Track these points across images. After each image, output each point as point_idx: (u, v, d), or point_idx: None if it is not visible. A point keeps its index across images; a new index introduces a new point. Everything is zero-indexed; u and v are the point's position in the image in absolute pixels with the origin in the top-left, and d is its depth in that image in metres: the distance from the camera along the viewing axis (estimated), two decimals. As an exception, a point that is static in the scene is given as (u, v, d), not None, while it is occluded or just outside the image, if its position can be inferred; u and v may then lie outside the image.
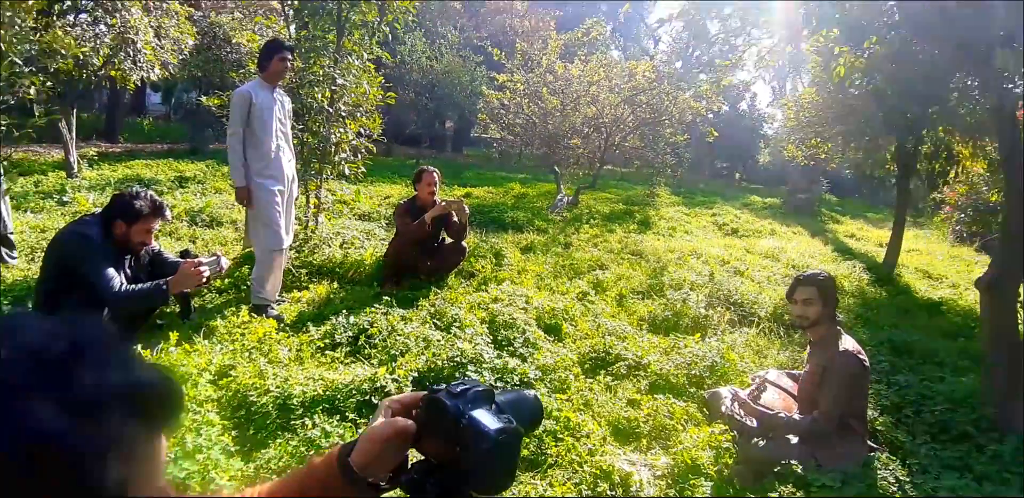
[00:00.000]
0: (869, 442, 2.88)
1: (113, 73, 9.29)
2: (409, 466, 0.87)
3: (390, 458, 0.82)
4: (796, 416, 2.81)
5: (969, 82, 7.08)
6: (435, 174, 4.98)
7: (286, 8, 5.75)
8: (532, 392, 0.96)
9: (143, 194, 3.16)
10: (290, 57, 4.25)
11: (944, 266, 8.65)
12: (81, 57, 7.86)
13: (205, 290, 4.44)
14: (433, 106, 16.72)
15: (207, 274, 3.01)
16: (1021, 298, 3.78)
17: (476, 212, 8.48)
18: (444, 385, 0.87)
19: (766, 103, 29.19)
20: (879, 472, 2.59)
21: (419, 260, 4.86)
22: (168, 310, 3.95)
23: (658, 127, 11.62)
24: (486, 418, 0.80)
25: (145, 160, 11.03)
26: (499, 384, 3.01)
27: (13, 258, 4.73)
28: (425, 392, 0.86)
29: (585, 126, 11.48)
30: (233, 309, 4.02)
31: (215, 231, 6.12)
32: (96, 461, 0.49)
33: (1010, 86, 3.69)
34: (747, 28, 19.92)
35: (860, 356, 2.81)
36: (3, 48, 3.30)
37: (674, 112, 11.41)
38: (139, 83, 10.28)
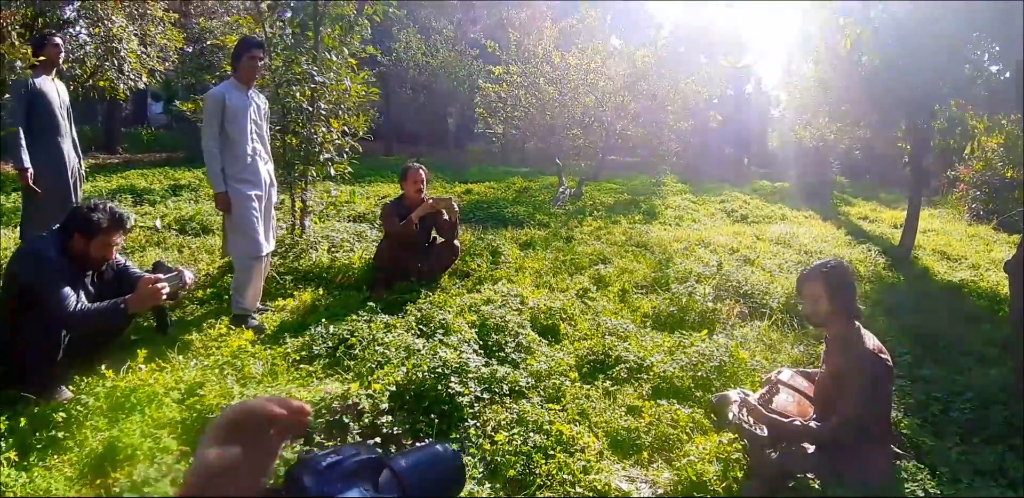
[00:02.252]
0: (894, 448, 2.60)
1: (101, 84, 9.17)
2: None
3: None
4: (812, 423, 2.53)
5: (981, 53, 6.75)
6: (422, 171, 4.75)
7: (261, 5, 5.53)
8: (450, 448, 0.74)
9: (102, 206, 2.96)
10: (261, 55, 4.04)
11: (962, 246, 8.31)
12: (65, 69, 7.75)
13: (186, 302, 4.26)
14: (432, 102, 16.48)
15: (166, 291, 2.81)
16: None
17: (475, 209, 8.26)
18: (314, 453, 0.66)
19: (772, 85, 28.61)
20: (906, 485, 2.32)
21: (410, 262, 4.64)
22: (145, 324, 3.76)
23: (661, 114, 11.30)
24: None
25: (141, 170, 10.91)
26: (486, 396, 2.77)
27: None
28: None
29: (585, 116, 11.19)
30: (213, 321, 3.83)
31: (203, 239, 5.94)
32: None
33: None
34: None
35: (882, 355, 2.50)
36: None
37: (676, 98, 11.09)
38: (129, 93, 10.16)
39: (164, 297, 2.82)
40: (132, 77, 9.61)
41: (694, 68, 12.44)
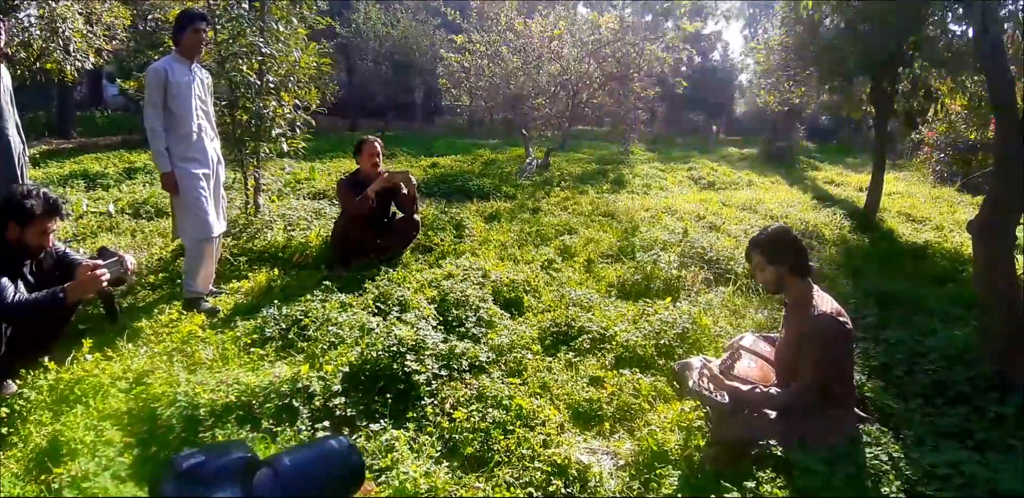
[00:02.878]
0: (858, 411, 2.58)
1: (48, 66, 8.74)
2: None
3: None
4: (773, 389, 2.50)
5: (943, 13, 6.71)
6: (377, 144, 4.59)
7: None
8: (345, 442, 0.65)
9: (35, 192, 2.79)
10: (205, 27, 3.83)
11: (927, 208, 8.42)
12: (11, 53, 7.34)
13: (137, 287, 4.10)
14: (396, 75, 16.06)
15: (107, 277, 2.68)
16: (1019, 241, 3.51)
17: (439, 183, 8.10)
18: (176, 455, 0.57)
19: (739, 52, 28.58)
20: (869, 448, 2.29)
21: (369, 238, 4.52)
22: (93, 312, 3.61)
23: (627, 82, 11.15)
24: None
25: (96, 154, 10.48)
26: (443, 373, 2.71)
27: None
28: None
29: (550, 85, 11.00)
30: (165, 306, 3.69)
31: (156, 222, 5.73)
32: None
33: (996, 6, 3.32)
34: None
35: (840, 318, 2.45)
36: None
37: (642, 65, 10.94)
38: (78, 75, 9.71)
39: (105, 283, 2.68)
40: (79, 58, 9.17)
41: (659, 35, 12.27)
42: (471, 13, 11.11)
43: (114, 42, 10.24)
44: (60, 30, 8.77)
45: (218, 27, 4.88)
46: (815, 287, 2.58)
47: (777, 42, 8.97)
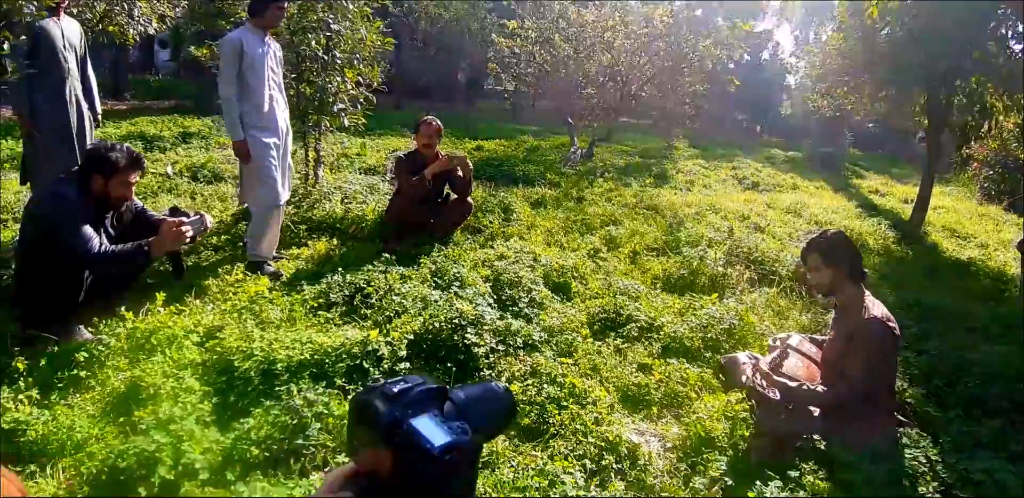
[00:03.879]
0: (898, 415, 2.66)
1: (111, 29, 8.96)
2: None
3: None
4: (820, 388, 2.59)
5: (1006, 30, 6.60)
6: (435, 124, 4.68)
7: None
8: (501, 385, 0.75)
9: (118, 146, 2.95)
10: (287, 5, 3.98)
11: (972, 225, 8.29)
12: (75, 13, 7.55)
13: (200, 248, 4.28)
14: (442, 57, 16.12)
15: (190, 234, 2.83)
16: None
17: (486, 166, 8.19)
18: (382, 382, 0.66)
19: (789, 52, 27.99)
20: (908, 450, 2.38)
21: (422, 217, 4.64)
22: (160, 269, 3.79)
23: (677, 76, 11.08)
24: (430, 428, 0.60)
25: (150, 117, 10.76)
26: (500, 348, 2.83)
27: None
28: None
29: (600, 75, 10.97)
30: (228, 267, 3.86)
31: (215, 186, 5.92)
32: None
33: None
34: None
35: (890, 323, 2.54)
36: None
37: (693, 60, 10.86)
38: (139, 39, 9.94)
39: (187, 240, 2.84)
40: (142, 22, 9.41)
41: (712, 30, 12.14)
42: (526, 0, 11.10)
43: (177, 10, 10.48)
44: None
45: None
46: (867, 292, 2.66)
47: (834, 47, 8.83)
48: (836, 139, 15.42)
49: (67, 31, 4.11)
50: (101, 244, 2.82)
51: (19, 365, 2.50)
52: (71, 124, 4.09)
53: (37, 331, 2.78)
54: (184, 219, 2.86)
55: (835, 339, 2.72)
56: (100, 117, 4.48)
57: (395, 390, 0.65)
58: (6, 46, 3.29)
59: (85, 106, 4.23)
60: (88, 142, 4.18)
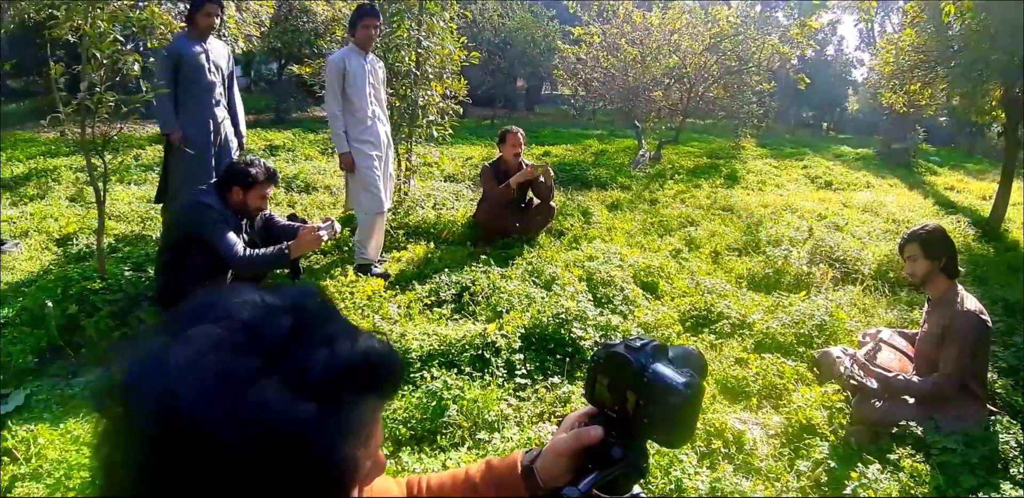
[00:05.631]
0: (988, 405, 2.75)
1: (200, 50, 9.62)
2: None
3: (573, 468, 0.81)
4: (915, 378, 2.71)
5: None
6: (520, 135, 4.95)
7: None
8: (693, 347, 0.96)
9: (257, 162, 3.30)
10: (376, 23, 4.25)
11: (1053, 222, 7.94)
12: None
13: (311, 252, 4.66)
14: (506, 65, 16.46)
15: (325, 238, 3.14)
16: None
17: (558, 171, 8.40)
18: (619, 340, 0.87)
19: (854, 47, 27.12)
20: (1000, 436, 2.48)
21: (508, 221, 4.91)
22: (278, 271, 4.17)
23: (743, 75, 11.04)
24: (670, 372, 0.80)
25: (238, 131, 11.45)
26: (604, 341, 3.04)
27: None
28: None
29: (666, 77, 11.04)
30: (339, 269, 4.21)
31: (311, 196, 6.36)
32: (337, 444, 0.47)
33: None
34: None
35: (983, 316, 2.67)
36: (103, 27, 3.42)
37: (761, 58, 10.80)
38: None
39: (322, 244, 3.16)
40: (229, 42, 10.09)
41: (775, 28, 12.03)
42: (591, 5, 11.26)
43: (262, 29, 11.15)
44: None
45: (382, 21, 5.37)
46: (959, 286, 2.76)
47: (907, 43, 8.64)
48: (907, 134, 14.89)
49: (213, 53, 4.24)
50: (245, 248, 3.17)
51: None
52: (211, 147, 4.21)
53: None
54: (320, 225, 3.18)
55: (928, 332, 2.82)
56: (244, 139, 4.57)
57: (638, 344, 0.86)
58: (137, 67, 3.61)
59: (230, 129, 4.37)
60: (223, 160, 4.29)
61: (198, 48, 4.15)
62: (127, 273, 3.51)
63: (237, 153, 4.46)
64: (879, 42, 11.49)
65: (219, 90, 4.30)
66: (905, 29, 8.62)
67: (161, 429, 0.44)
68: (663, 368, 0.81)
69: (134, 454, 0.45)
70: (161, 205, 4.44)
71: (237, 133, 4.46)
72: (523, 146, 5.00)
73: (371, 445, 0.53)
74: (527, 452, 0.89)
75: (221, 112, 4.31)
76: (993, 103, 7.76)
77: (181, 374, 0.44)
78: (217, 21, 4.28)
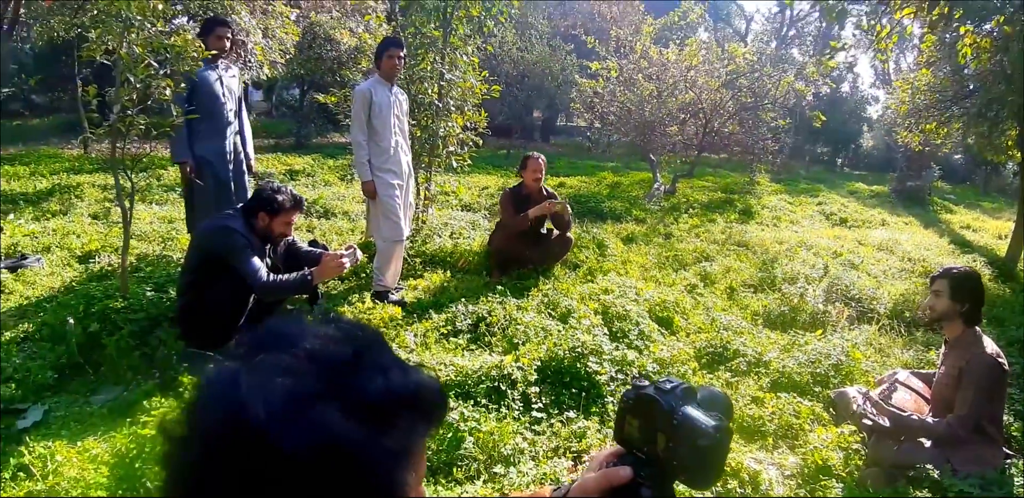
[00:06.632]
0: (1005, 449, 2.72)
1: (225, 74, 9.91)
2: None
3: None
4: (930, 419, 2.69)
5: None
6: (540, 160, 5.02)
7: (394, 6, 5.93)
8: (719, 390, 0.98)
9: (284, 189, 3.35)
10: (400, 54, 4.35)
11: (1071, 261, 7.87)
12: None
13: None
14: (524, 97, 16.76)
15: (348, 265, 3.18)
16: None
17: (572, 202, 8.49)
18: (646, 382, 0.90)
19: (869, 84, 27.38)
20: (1017, 479, 2.45)
21: (523, 249, 4.95)
22: (297, 297, 4.22)
23: (759, 111, 11.18)
24: (699, 415, 0.82)
25: (256, 155, 11.65)
26: (619, 376, 3.05)
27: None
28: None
29: (682, 112, 11.19)
30: (356, 296, 4.25)
31: (330, 221, 6.46)
32: (389, 466, 0.51)
33: None
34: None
35: (1000, 359, 2.67)
36: (138, 51, 3.52)
37: (777, 95, 10.95)
38: (247, 83, 10.91)
39: (344, 270, 3.20)
40: (255, 68, 10.38)
41: (790, 65, 12.23)
42: (611, 41, 11.50)
43: (287, 56, 11.47)
44: (245, 43, 9.97)
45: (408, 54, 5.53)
46: (977, 329, 2.76)
47: (923, 83, 8.75)
48: (922, 172, 14.92)
49: (226, 78, 4.32)
50: (269, 273, 3.21)
51: (184, 379, 2.89)
52: (228, 172, 4.30)
53: (199, 349, 3.18)
54: (343, 252, 3.23)
55: (945, 373, 2.81)
56: (254, 164, 4.68)
57: (668, 386, 0.89)
58: (168, 92, 3.70)
59: (242, 153, 4.48)
60: (245, 184, 4.50)
61: (212, 74, 4.21)
62: (149, 293, 3.56)
63: (249, 178, 4.53)
64: (895, 81, 11.58)
65: (232, 116, 4.37)
66: (921, 69, 8.75)
67: (230, 441, 0.48)
68: (693, 411, 0.84)
69: (200, 466, 0.49)
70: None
71: (247, 156, 4.53)
72: (544, 172, 5.07)
73: (418, 472, 0.57)
74: (555, 490, 0.91)
75: (235, 137, 4.41)
76: (1009, 142, 7.82)
77: (251, 394, 0.49)
78: (227, 44, 4.33)
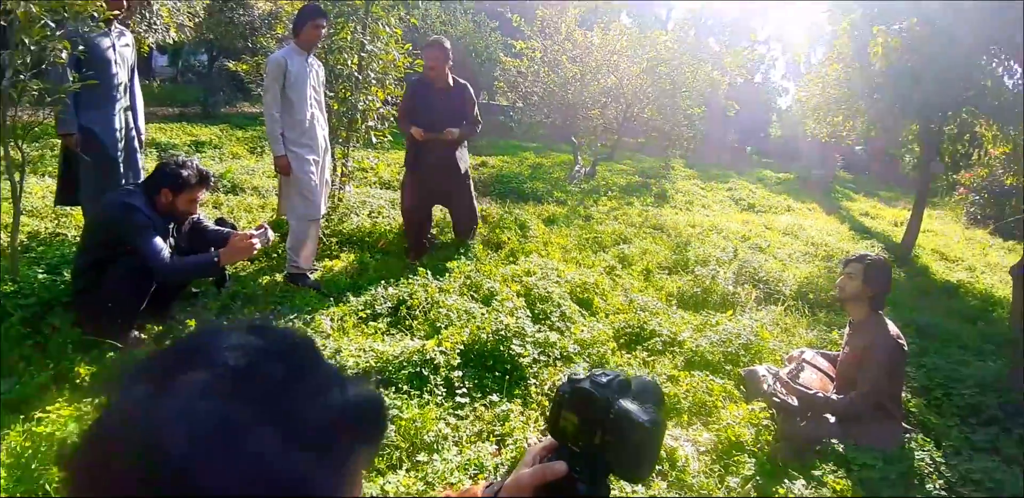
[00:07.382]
0: (904, 424, 2.95)
1: (127, 37, 9.14)
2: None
3: None
4: (834, 396, 2.88)
5: (996, 66, 7.01)
6: (438, 47, 4.58)
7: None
8: (650, 379, 0.97)
9: (189, 163, 3.09)
10: (324, 24, 4.14)
11: (960, 248, 8.67)
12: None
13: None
14: (446, 73, 16.44)
15: (258, 246, 3.00)
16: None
17: (495, 182, 8.46)
18: (582, 374, 0.87)
19: (780, 75, 28.82)
20: (916, 453, 2.67)
21: (426, 214, 4.91)
22: (203, 279, 3.96)
23: (676, 98, 11.46)
24: (635, 408, 0.81)
25: (159, 124, 10.87)
26: (542, 358, 3.05)
27: None
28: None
29: (604, 96, 11.31)
30: (268, 278, 4.05)
31: (239, 198, 6.10)
32: (330, 494, 0.45)
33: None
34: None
35: (900, 341, 2.89)
36: (34, 11, 3.16)
37: (693, 83, 11.26)
38: (152, 47, 10.11)
39: (255, 252, 3.02)
40: (160, 31, 9.62)
41: (709, 54, 12.59)
42: (536, 21, 11.41)
43: (196, 19, 10.70)
44: (150, 3, 9.21)
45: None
46: (880, 312, 2.97)
47: (833, 77, 9.23)
48: (826, 162, 15.89)
49: (119, 43, 3.92)
50: (172, 255, 2.98)
51: (81, 370, 2.66)
52: (118, 147, 3.91)
53: (96, 336, 2.92)
54: (253, 232, 3.04)
55: (850, 353, 3.01)
56: (144, 136, 4.26)
57: (604, 380, 0.86)
58: (64, 55, 3.34)
59: (133, 129, 4.08)
60: (137, 160, 4.11)
61: (105, 40, 3.81)
62: (41, 276, 3.22)
63: (141, 155, 4.18)
64: (806, 75, 12.15)
65: (124, 83, 3.98)
66: (832, 64, 9.22)
67: (149, 484, 0.40)
68: (628, 404, 0.82)
69: None
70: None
71: (136, 130, 4.13)
72: (448, 60, 4.63)
73: (355, 494, 0.51)
74: (488, 486, 0.88)
75: (126, 111, 4.01)
76: (910, 137, 8.41)
77: (170, 426, 0.41)
78: (125, 3, 3.93)
